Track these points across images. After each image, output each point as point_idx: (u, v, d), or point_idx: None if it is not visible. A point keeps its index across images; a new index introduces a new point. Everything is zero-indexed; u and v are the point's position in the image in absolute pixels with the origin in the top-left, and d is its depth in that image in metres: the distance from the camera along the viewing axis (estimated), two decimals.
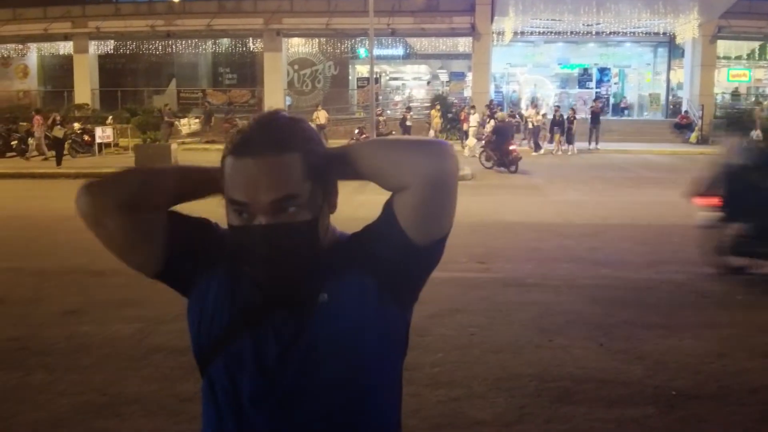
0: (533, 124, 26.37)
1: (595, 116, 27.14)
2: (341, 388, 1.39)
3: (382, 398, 1.46)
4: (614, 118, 33.34)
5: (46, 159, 22.21)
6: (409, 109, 29.82)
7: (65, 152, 21.20)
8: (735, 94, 32.91)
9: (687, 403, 4.61)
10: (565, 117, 25.94)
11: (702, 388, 4.86)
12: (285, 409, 1.39)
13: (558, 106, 27.88)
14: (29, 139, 23.37)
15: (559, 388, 4.80)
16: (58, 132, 21.20)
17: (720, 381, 5.01)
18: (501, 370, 5.11)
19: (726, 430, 4.29)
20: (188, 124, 28.76)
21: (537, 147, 25.82)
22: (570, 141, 25.89)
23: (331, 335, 1.38)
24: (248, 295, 1.42)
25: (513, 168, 19.73)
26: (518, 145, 27.18)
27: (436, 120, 28.30)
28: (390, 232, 1.39)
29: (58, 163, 20.18)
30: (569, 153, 25.65)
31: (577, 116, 26.72)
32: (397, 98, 35.41)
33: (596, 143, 26.80)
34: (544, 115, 26.80)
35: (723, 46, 32.49)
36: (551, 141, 26.38)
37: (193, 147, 25.83)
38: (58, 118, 22.04)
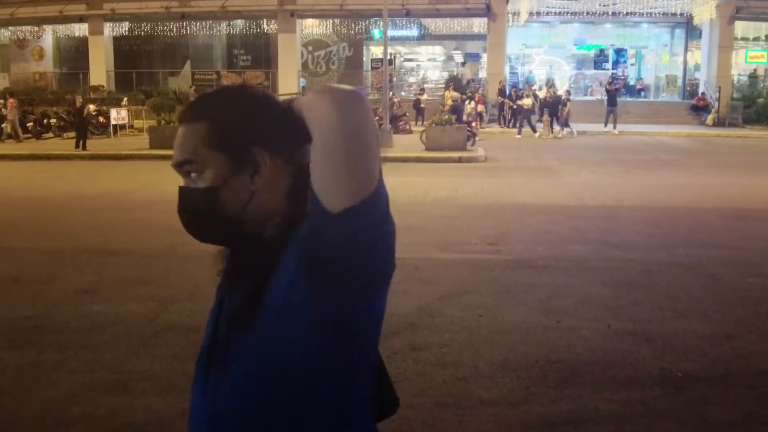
0: (524, 106, 25.78)
1: (612, 98, 26.39)
2: (267, 366, 1.32)
3: (319, 386, 1.33)
4: (630, 99, 33.09)
5: (19, 141, 22.57)
6: (422, 90, 29.69)
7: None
8: (753, 76, 32.54)
9: (694, 386, 4.62)
10: (562, 98, 25.44)
11: (710, 371, 4.87)
12: (217, 377, 1.38)
13: (551, 86, 27.34)
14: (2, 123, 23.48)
15: (566, 369, 4.82)
16: (92, 109, 21.60)
17: (728, 363, 5.01)
18: (508, 351, 5.14)
19: (733, 413, 4.29)
20: None
21: (520, 129, 25.14)
22: (565, 124, 25.07)
23: (262, 317, 1.32)
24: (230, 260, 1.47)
25: (467, 145, 19.97)
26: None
27: (450, 101, 28.19)
28: (312, 206, 1.28)
29: (78, 145, 20.22)
30: (559, 136, 24.70)
31: (572, 98, 26.22)
32: (411, 79, 35.29)
33: (614, 125, 25.83)
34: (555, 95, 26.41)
35: (741, 27, 32.08)
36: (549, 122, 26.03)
37: None
38: (80, 99, 22.24)
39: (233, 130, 1.36)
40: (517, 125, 25.92)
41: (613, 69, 35.07)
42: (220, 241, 1.43)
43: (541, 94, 27.69)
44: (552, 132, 24.96)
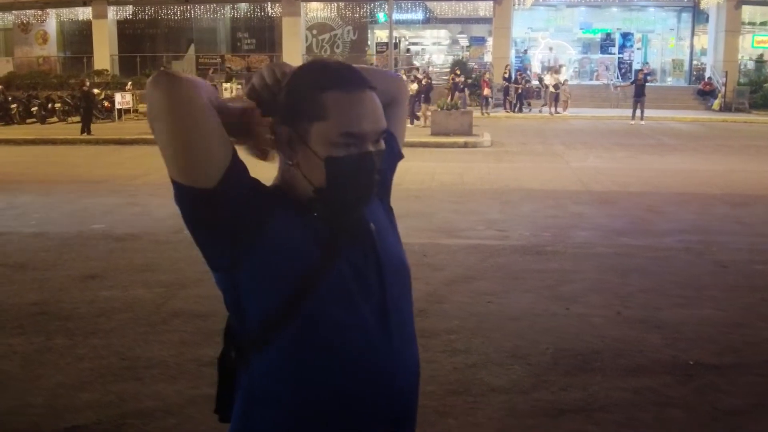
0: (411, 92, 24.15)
1: (639, 88, 24.38)
2: (408, 289, 1.67)
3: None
4: None
5: None
6: (426, 75, 29.50)
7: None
8: (759, 61, 32.28)
9: (705, 373, 4.59)
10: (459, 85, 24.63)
11: (720, 358, 4.85)
12: (395, 321, 1.58)
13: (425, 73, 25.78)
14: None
15: (576, 356, 4.80)
16: (99, 94, 21.73)
17: (738, 351, 4.99)
18: (517, 338, 5.12)
19: (744, 401, 4.27)
20: (231, 89, 28.75)
21: (413, 118, 22.66)
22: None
23: (388, 253, 1.61)
24: (324, 231, 1.53)
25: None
26: (539, 111, 27.20)
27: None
28: (390, 143, 1.70)
29: (84, 129, 20.16)
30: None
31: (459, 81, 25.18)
32: (416, 63, 35.07)
33: (642, 117, 24.21)
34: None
35: (748, 12, 31.81)
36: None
37: None
38: (88, 83, 22.23)
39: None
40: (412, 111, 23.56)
41: (619, 53, 34.84)
42: (373, 197, 1.59)
43: (548, 80, 27.57)
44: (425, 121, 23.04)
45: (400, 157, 1.83)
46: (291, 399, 1.51)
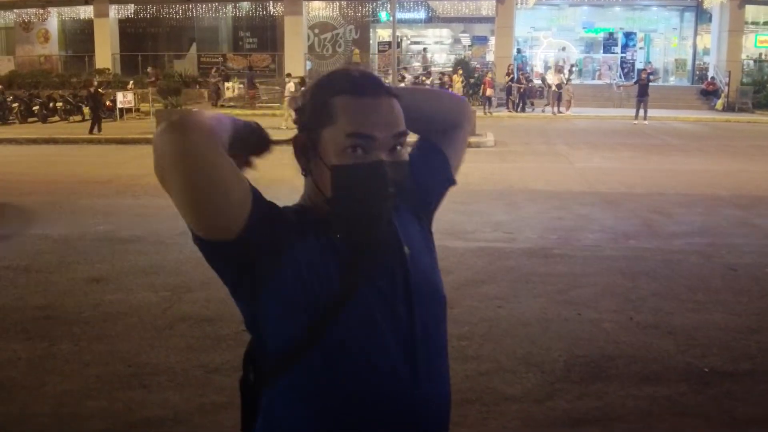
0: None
1: (642, 88, 24.01)
2: (442, 319, 1.60)
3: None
4: None
5: None
6: (429, 74, 29.47)
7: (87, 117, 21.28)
8: (760, 60, 32.16)
9: (720, 381, 4.52)
10: None
11: (735, 365, 4.78)
12: (423, 351, 1.50)
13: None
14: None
15: (590, 363, 4.72)
16: (108, 95, 21.79)
17: (753, 358, 4.91)
18: (530, 344, 5.04)
19: (761, 409, 4.20)
20: (233, 88, 28.68)
21: None
22: None
23: (420, 279, 1.53)
24: (346, 254, 1.45)
25: None
26: (542, 110, 27.13)
27: (458, 85, 27.97)
28: (442, 166, 1.72)
29: (93, 129, 20.08)
30: None
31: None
32: (416, 64, 34.97)
33: (645, 116, 23.84)
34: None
35: (751, 11, 31.71)
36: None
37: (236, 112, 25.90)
38: (95, 82, 22.20)
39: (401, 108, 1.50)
40: None
41: (622, 53, 34.73)
42: (389, 212, 1.49)
43: (551, 79, 27.50)
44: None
45: (451, 183, 1.75)
46: (309, 424, 1.46)
